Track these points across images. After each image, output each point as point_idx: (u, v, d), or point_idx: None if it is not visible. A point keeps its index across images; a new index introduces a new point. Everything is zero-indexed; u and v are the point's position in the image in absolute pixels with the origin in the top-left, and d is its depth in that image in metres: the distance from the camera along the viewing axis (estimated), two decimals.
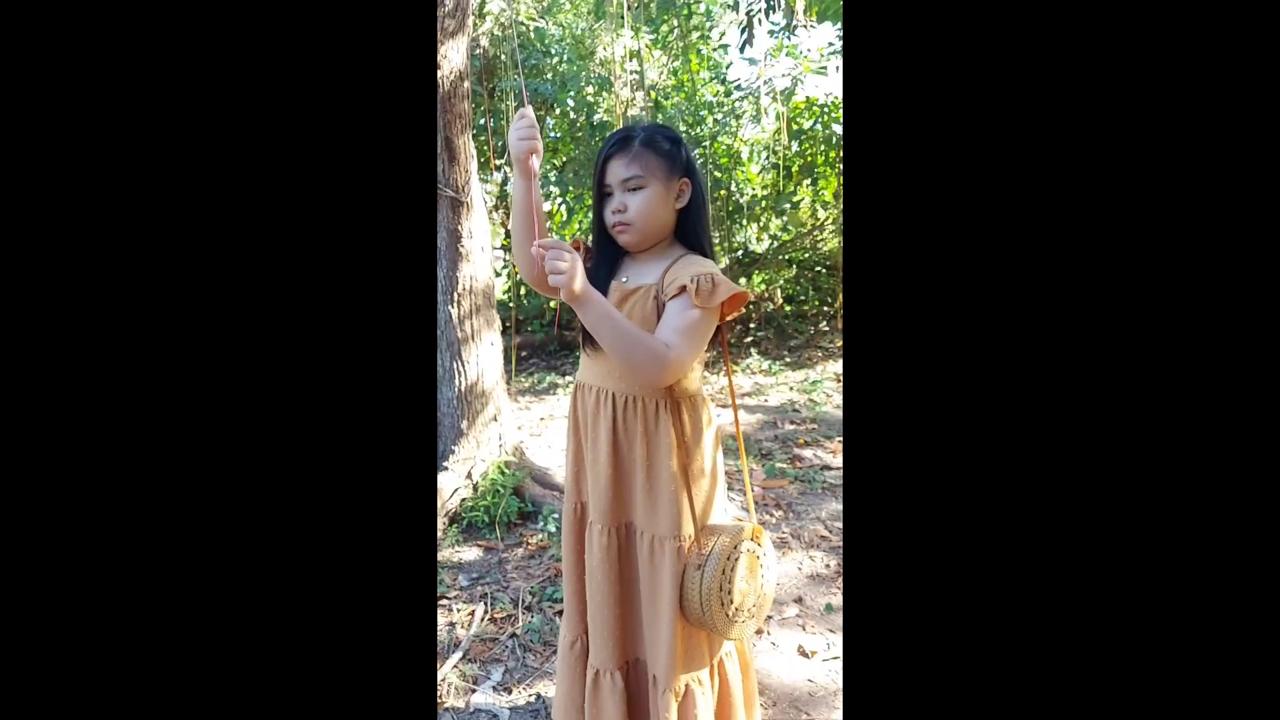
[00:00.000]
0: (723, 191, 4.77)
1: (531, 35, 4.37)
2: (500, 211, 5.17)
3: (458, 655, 1.52)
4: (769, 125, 4.71)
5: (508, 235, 5.26)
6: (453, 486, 2.11)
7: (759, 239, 5.38)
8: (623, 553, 1.02)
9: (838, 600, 1.73)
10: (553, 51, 4.45)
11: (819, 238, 5.13)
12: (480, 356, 2.18)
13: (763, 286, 5.15)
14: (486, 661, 1.53)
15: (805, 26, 4.04)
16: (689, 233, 1.00)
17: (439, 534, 2.04)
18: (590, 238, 1.06)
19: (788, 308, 5.26)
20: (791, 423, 3.14)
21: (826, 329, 4.95)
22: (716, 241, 5.05)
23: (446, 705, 1.39)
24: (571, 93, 4.36)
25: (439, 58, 1.93)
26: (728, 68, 4.85)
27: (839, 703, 1.37)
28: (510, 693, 1.43)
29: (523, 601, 1.74)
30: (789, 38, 4.11)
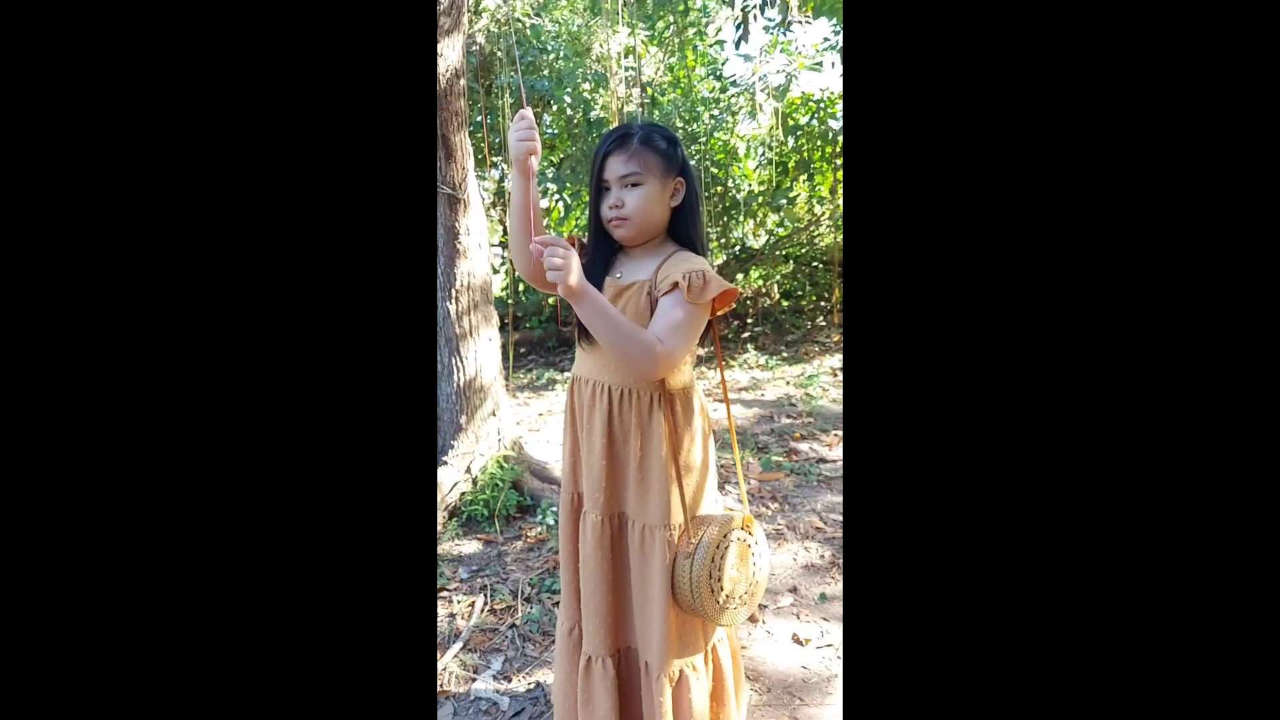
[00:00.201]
0: (719, 188, 4.79)
1: (528, 32, 4.37)
2: (498, 209, 5.18)
3: (458, 645, 1.55)
4: (765, 121, 4.72)
5: (505, 232, 5.29)
6: (452, 481, 2.13)
7: (756, 235, 5.40)
8: (616, 542, 1.05)
9: (832, 590, 1.76)
10: (549, 48, 4.46)
11: (815, 233, 5.15)
12: (478, 352, 2.20)
13: (760, 282, 5.17)
14: (486, 651, 1.55)
15: (801, 22, 4.06)
16: (682, 230, 1.03)
17: (439, 528, 2.07)
18: (586, 234, 1.08)
19: (785, 303, 5.28)
20: (788, 416, 3.17)
21: (823, 324, 4.97)
22: (714, 238, 5.07)
23: (448, 693, 1.42)
24: (568, 89, 4.37)
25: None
26: (723, 64, 4.86)
27: (832, 689, 1.40)
28: (510, 681, 1.45)
29: (522, 593, 1.77)
30: (784, 34, 4.12)
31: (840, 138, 4.57)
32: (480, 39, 4.14)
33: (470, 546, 2.02)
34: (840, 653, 1.51)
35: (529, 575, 1.85)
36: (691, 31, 4.74)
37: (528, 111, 0.92)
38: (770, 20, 4.00)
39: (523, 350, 4.90)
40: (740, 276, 5.02)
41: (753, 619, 1.64)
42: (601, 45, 4.20)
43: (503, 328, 3.39)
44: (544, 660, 1.51)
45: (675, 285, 0.92)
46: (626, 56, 4.39)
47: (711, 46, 4.85)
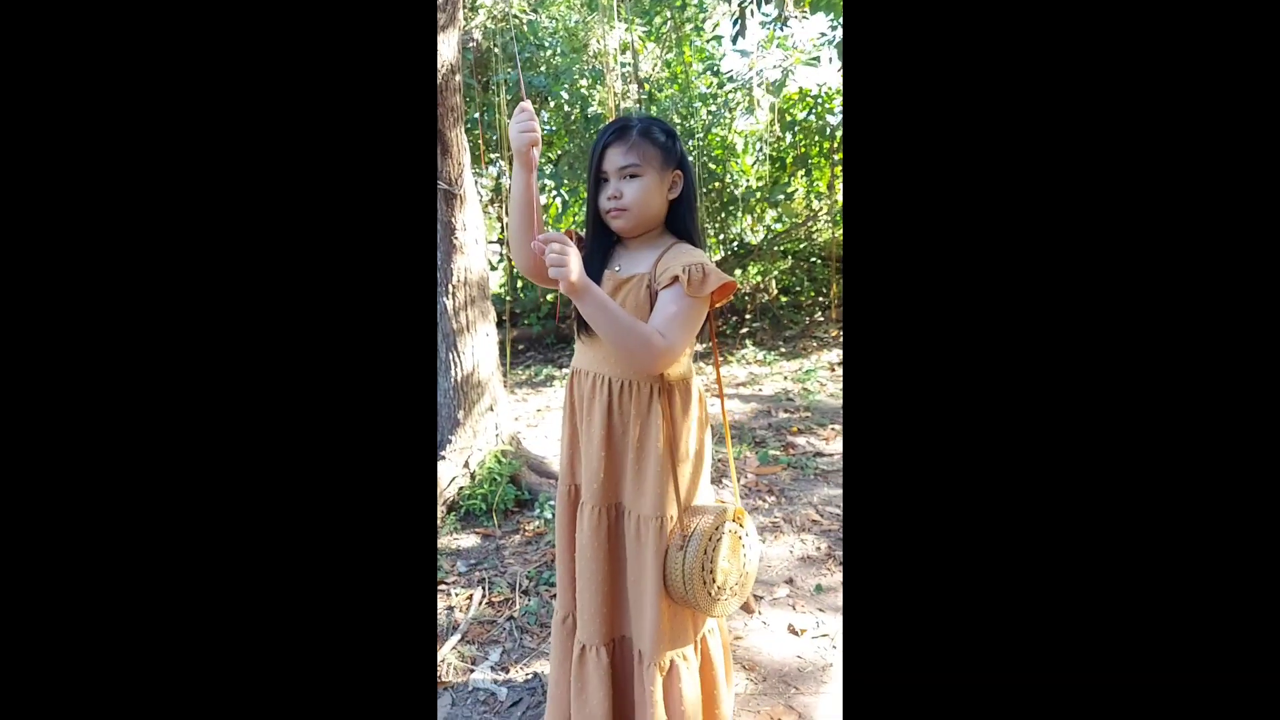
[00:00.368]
0: (717, 184, 4.79)
1: (525, 28, 4.37)
2: (496, 206, 5.19)
3: (456, 637, 1.56)
4: (762, 117, 4.72)
5: (504, 229, 5.29)
6: (450, 475, 2.14)
7: (753, 230, 5.40)
8: (612, 532, 1.05)
9: (827, 581, 1.77)
10: (546, 44, 4.46)
11: (813, 228, 5.16)
12: (475, 347, 2.21)
13: (758, 278, 5.18)
14: (484, 643, 1.56)
15: (798, 17, 4.06)
16: (680, 223, 1.04)
17: (437, 522, 2.08)
18: (584, 228, 1.08)
19: (783, 299, 5.28)
20: (785, 411, 3.18)
21: (821, 319, 4.98)
22: (712, 233, 5.07)
23: (447, 684, 1.43)
24: (565, 85, 4.37)
25: None
26: (720, 59, 4.85)
27: (827, 678, 1.41)
28: (507, 672, 1.47)
29: (519, 586, 1.78)
30: (781, 29, 4.12)
31: (838, 133, 4.57)
32: (477, 35, 4.14)
33: (468, 540, 2.03)
34: (835, 643, 1.52)
35: (526, 568, 1.86)
36: (689, 27, 4.74)
37: (527, 104, 0.92)
38: (766, 15, 4.00)
39: (521, 347, 4.91)
40: (738, 272, 5.02)
41: (747, 609, 1.65)
42: (599, 41, 4.20)
43: (500, 324, 3.40)
44: (541, 651, 1.53)
45: (675, 279, 0.93)
46: (623, 53, 4.39)
47: (708, 42, 4.85)
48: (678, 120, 4.51)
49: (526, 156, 0.93)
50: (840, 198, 4.88)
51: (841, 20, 3.71)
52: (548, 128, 5.01)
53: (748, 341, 4.60)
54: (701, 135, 4.68)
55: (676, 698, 1.03)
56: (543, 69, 4.44)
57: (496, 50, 4.04)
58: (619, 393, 1.02)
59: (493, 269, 5.23)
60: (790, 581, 1.78)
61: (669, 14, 4.61)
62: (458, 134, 2.08)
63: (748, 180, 5.03)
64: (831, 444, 2.73)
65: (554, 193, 4.60)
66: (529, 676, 1.45)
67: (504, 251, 5.37)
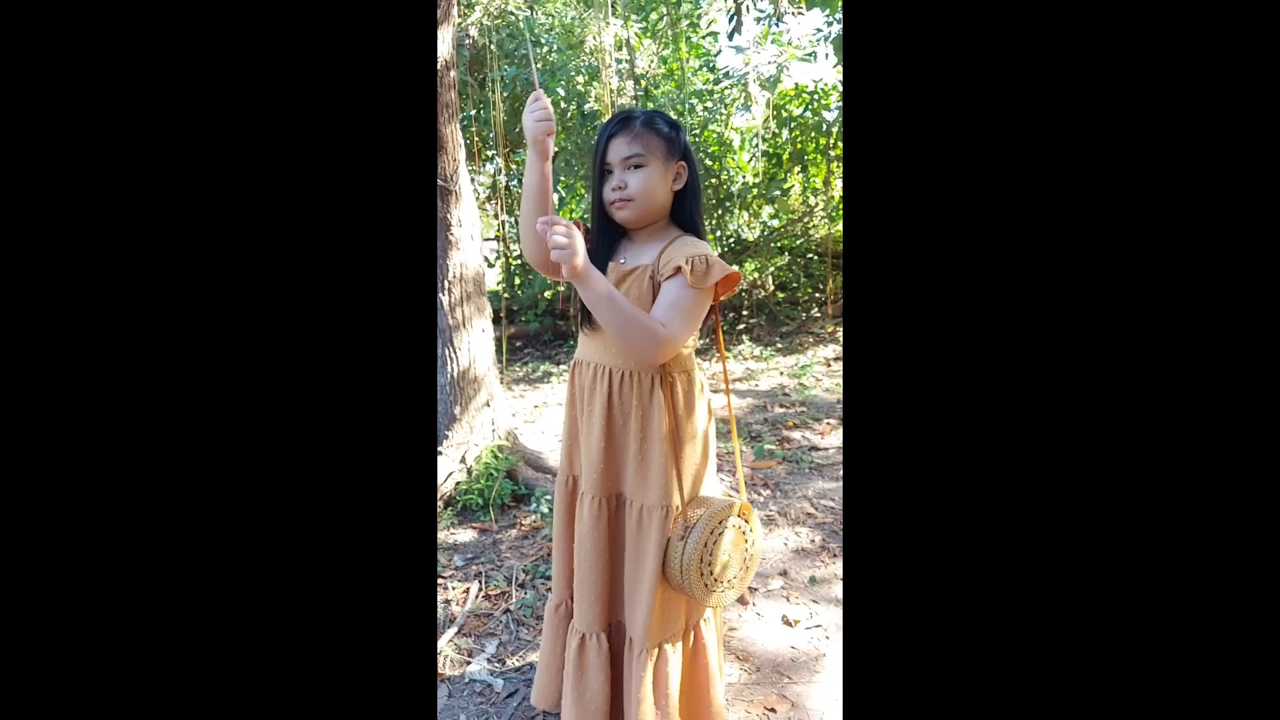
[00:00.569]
0: (714, 180, 4.80)
1: (521, 25, 4.37)
2: (493, 203, 5.19)
3: (453, 630, 1.57)
4: (758, 113, 4.73)
5: (500, 226, 5.29)
6: (447, 471, 2.15)
7: (750, 227, 5.41)
8: (612, 523, 1.06)
9: (821, 573, 1.78)
10: (542, 41, 4.46)
11: (810, 224, 5.17)
12: (472, 343, 2.22)
13: (755, 274, 5.18)
14: (481, 635, 1.58)
15: (793, 13, 4.06)
16: (684, 215, 1.04)
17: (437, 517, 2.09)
18: (589, 221, 1.08)
19: (779, 295, 5.29)
20: (781, 406, 3.19)
21: (818, 315, 4.99)
22: (709, 229, 5.08)
23: (444, 676, 1.44)
24: (561, 82, 4.37)
25: None
26: (716, 55, 4.86)
27: (820, 668, 1.42)
28: (504, 664, 1.48)
29: (516, 579, 1.79)
30: (776, 24, 4.12)
31: (834, 129, 4.58)
32: (473, 32, 4.14)
33: (465, 535, 2.04)
34: (828, 634, 1.54)
35: (523, 562, 1.87)
36: (685, 23, 4.74)
37: (541, 93, 0.92)
38: (762, 12, 4.01)
39: (519, 344, 4.92)
40: (735, 268, 5.03)
41: (742, 601, 1.66)
42: (594, 38, 4.20)
43: (498, 321, 3.40)
44: (537, 643, 1.54)
45: (678, 270, 0.93)
46: (619, 49, 4.39)
47: (704, 38, 4.85)
48: (674, 116, 4.51)
49: (542, 144, 0.93)
50: (836, 194, 4.89)
51: (837, 16, 3.71)
52: None
53: (744, 337, 4.62)
54: (698, 132, 4.69)
55: (663, 682, 1.04)
56: (539, 66, 4.44)
57: (492, 47, 4.04)
58: (619, 383, 1.02)
59: (490, 265, 5.23)
60: (784, 573, 1.79)
61: (664, 10, 4.61)
62: (453, 130, 2.09)
63: (744, 176, 5.03)
64: (827, 438, 2.75)
65: (551, 190, 4.59)
66: (525, 668, 1.46)
67: (500, 249, 5.37)
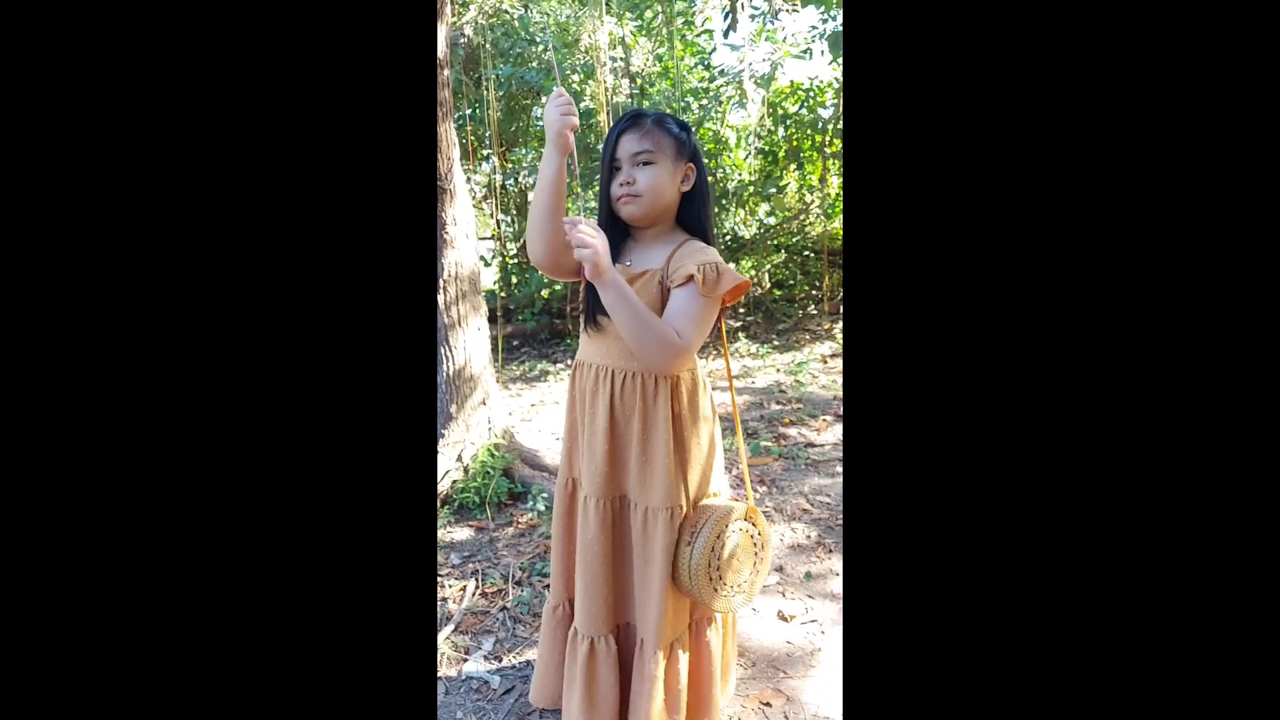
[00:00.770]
0: (710, 178, 4.80)
1: (516, 23, 4.37)
2: (489, 202, 5.18)
3: (450, 628, 1.58)
4: (754, 111, 4.73)
5: (497, 225, 5.28)
6: (443, 469, 2.15)
7: (746, 225, 5.41)
8: (617, 525, 1.05)
9: (816, 569, 1.79)
10: (537, 40, 4.45)
11: (806, 222, 5.17)
12: (467, 342, 2.22)
13: (751, 272, 5.19)
14: (478, 633, 1.58)
15: (788, 10, 4.06)
16: (691, 217, 1.03)
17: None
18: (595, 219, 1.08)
19: (776, 292, 5.30)
20: (777, 403, 3.19)
21: (814, 312, 5.00)
22: None
23: (441, 674, 1.45)
24: (556, 81, 4.36)
25: None
26: (711, 53, 4.86)
27: (815, 662, 1.43)
28: (500, 661, 1.48)
29: (512, 577, 1.80)
30: (771, 21, 4.13)
31: (829, 126, 4.58)
32: (468, 31, 4.13)
33: (462, 533, 2.04)
34: (823, 629, 1.54)
35: (520, 560, 1.87)
36: (680, 21, 4.74)
37: (563, 90, 0.92)
38: (756, 9, 4.01)
39: (515, 343, 4.92)
40: (732, 266, 5.03)
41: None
42: (590, 36, 4.20)
43: (494, 320, 3.40)
44: (534, 640, 1.54)
45: (690, 277, 0.93)
46: (614, 48, 4.39)
47: (699, 36, 4.85)
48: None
49: (564, 139, 0.92)
50: (832, 191, 4.90)
51: (831, 13, 3.72)
52: (538, 124, 5.01)
53: (740, 335, 4.62)
54: (694, 129, 4.68)
55: (675, 681, 1.04)
56: (534, 64, 4.44)
57: (487, 46, 4.04)
58: (621, 385, 1.01)
59: (486, 264, 5.22)
60: (780, 569, 1.80)
61: (659, 8, 4.61)
62: (447, 129, 2.09)
63: (740, 174, 5.04)
64: (823, 435, 2.75)
65: None
66: (521, 665, 1.47)
67: (497, 247, 5.37)
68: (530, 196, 5.33)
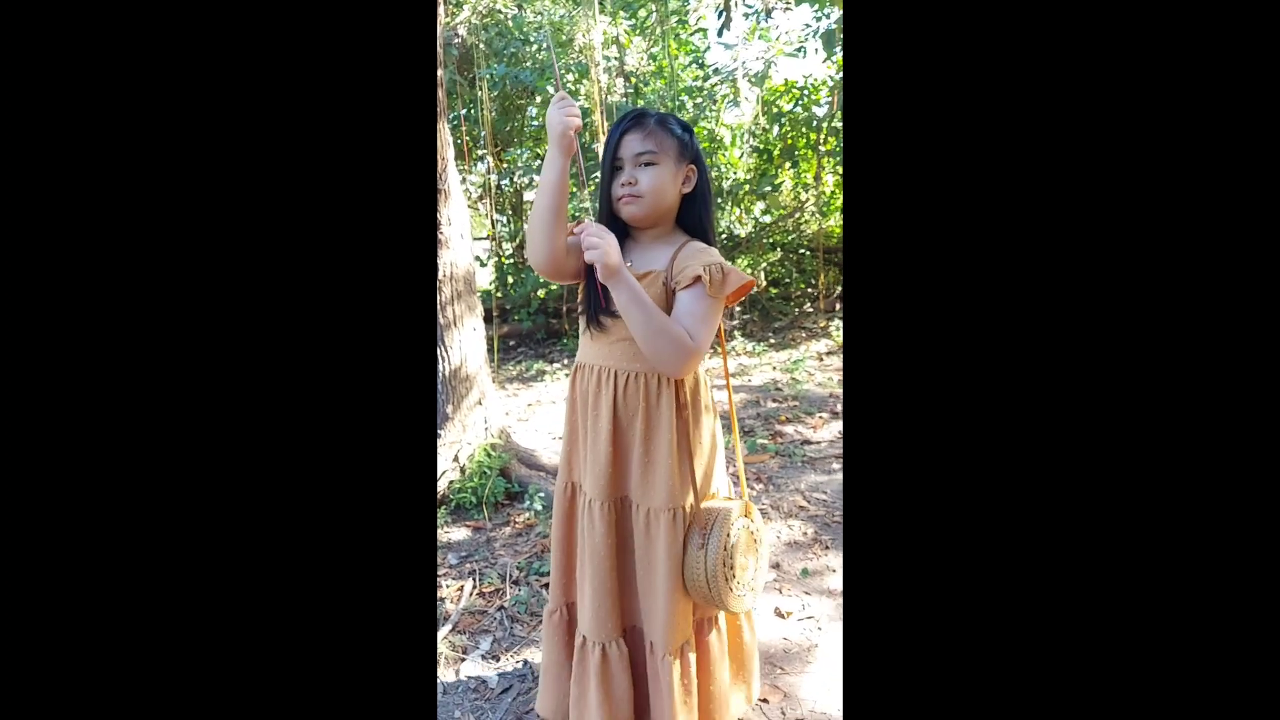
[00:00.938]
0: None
1: (510, 23, 4.37)
2: (485, 203, 5.18)
3: (447, 628, 1.58)
4: (748, 109, 4.74)
5: (492, 225, 5.28)
6: (440, 469, 2.15)
7: (742, 223, 5.42)
8: (619, 527, 1.05)
9: (813, 565, 1.80)
10: (531, 39, 4.45)
11: (801, 220, 5.18)
12: (463, 342, 2.22)
13: (747, 270, 5.20)
14: (475, 633, 1.58)
15: (782, 9, 4.07)
16: (693, 219, 1.03)
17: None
18: (595, 219, 1.07)
19: (772, 290, 5.31)
20: (774, 401, 3.20)
21: (810, 310, 5.01)
22: None
23: (438, 674, 1.45)
24: (550, 81, 4.37)
25: None
26: (705, 51, 4.86)
27: (812, 658, 1.44)
28: (498, 660, 1.48)
29: (510, 576, 1.80)
30: (765, 20, 4.13)
31: (824, 124, 4.59)
32: (462, 31, 4.13)
33: (459, 533, 2.04)
34: (820, 625, 1.55)
35: (517, 559, 1.88)
36: (674, 20, 4.74)
37: (565, 94, 0.92)
38: (749, 7, 4.01)
39: (511, 343, 4.92)
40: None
41: None
42: (584, 35, 4.20)
43: (490, 320, 3.40)
44: (531, 639, 1.54)
45: (697, 279, 0.93)
46: (608, 47, 4.39)
47: (693, 35, 4.86)
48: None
49: (568, 141, 0.91)
50: (826, 189, 4.90)
51: (825, 10, 3.72)
52: (534, 124, 5.01)
53: (737, 333, 4.63)
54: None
55: (689, 681, 1.04)
56: (528, 64, 4.43)
57: (481, 46, 4.04)
58: (624, 386, 1.01)
59: (482, 265, 5.22)
60: (777, 566, 1.80)
61: (653, 7, 4.61)
62: (441, 128, 2.09)
63: (735, 173, 5.04)
64: (819, 432, 2.76)
65: None
66: (519, 664, 1.47)
67: (493, 247, 5.36)
68: (526, 196, 5.33)
